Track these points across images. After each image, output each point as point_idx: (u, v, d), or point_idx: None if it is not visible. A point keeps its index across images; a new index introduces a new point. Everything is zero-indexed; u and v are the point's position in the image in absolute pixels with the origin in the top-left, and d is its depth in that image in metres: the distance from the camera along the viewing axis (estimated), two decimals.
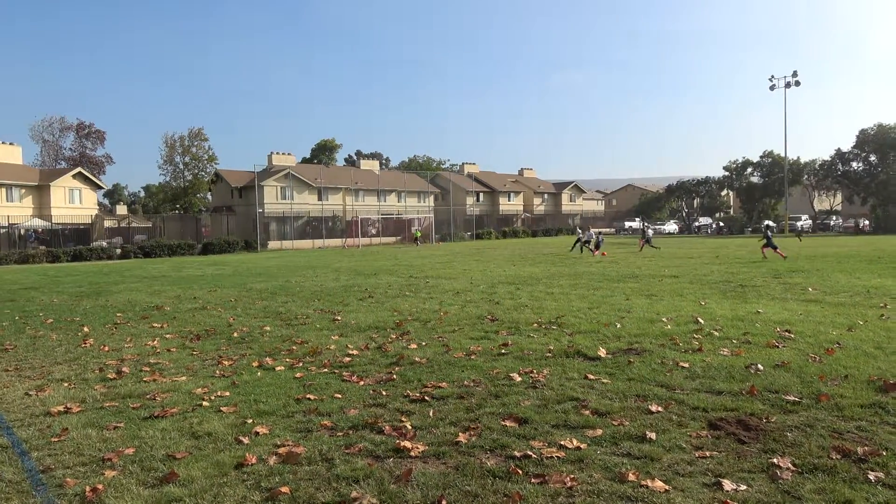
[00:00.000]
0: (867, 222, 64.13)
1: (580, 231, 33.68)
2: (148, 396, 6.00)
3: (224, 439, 4.73)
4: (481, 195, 77.81)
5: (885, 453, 4.05)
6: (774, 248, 23.57)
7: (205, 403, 5.70)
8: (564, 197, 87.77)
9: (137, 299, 14.92)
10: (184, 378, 6.75)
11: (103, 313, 12.39)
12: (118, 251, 41.89)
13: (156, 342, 8.96)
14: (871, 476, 3.72)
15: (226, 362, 7.47)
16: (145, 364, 7.50)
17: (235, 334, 9.46)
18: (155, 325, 10.67)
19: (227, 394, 6.02)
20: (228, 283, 18.84)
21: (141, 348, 8.56)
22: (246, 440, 4.67)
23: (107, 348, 8.60)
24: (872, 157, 63.81)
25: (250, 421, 5.14)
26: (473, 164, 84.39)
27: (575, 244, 32.46)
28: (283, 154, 63.93)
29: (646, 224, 34.38)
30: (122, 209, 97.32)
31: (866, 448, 4.13)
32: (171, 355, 8.03)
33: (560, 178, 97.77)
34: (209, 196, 70.68)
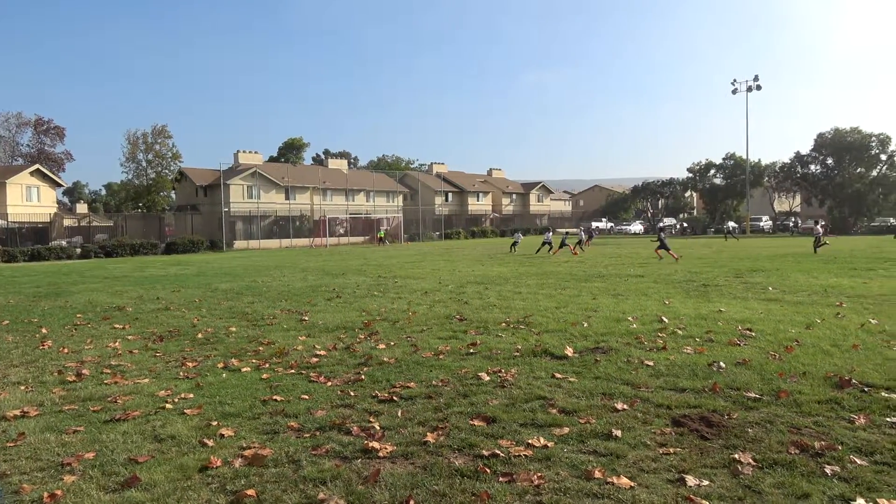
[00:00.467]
0: (824, 223, 66.03)
1: (548, 232, 34.33)
2: (109, 399, 5.86)
3: (188, 442, 4.65)
4: (450, 195, 77.94)
5: (840, 448, 4.18)
6: (667, 249, 24.16)
7: (168, 406, 5.59)
8: (532, 197, 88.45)
9: (98, 300, 14.57)
10: (146, 380, 6.61)
11: (62, 314, 12.06)
12: (78, 251, 40.86)
13: (117, 343, 8.76)
14: (828, 470, 3.84)
15: (190, 364, 7.34)
16: (106, 366, 7.33)
17: (200, 335, 9.30)
18: (116, 326, 10.43)
19: (192, 396, 5.92)
20: (193, 284, 18.52)
21: (102, 350, 8.36)
22: (211, 443, 4.60)
23: (66, 350, 8.38)
24: (829, 160, 65.77)
25: (215, 423, 5.06)
26: (442, 163, 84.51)
27: (541, 246, 32.93)
28: (249, 152, 63.17)
29: (583, 226, 35.92)
30: (82, 207, 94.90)
31: (823, 443, 4.25)
32: (133, 357, 7.86)
33: (528, 179, 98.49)
34: (173, 195, 69.45)
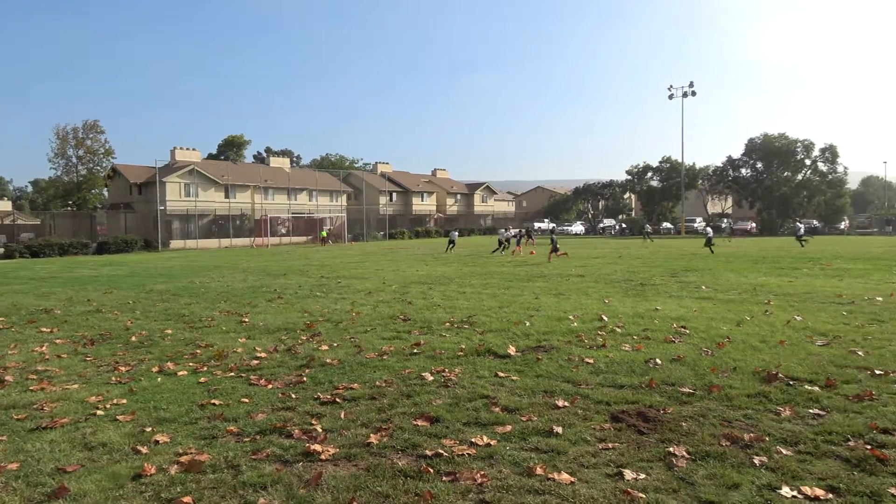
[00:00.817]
0: (754, 225, 69.05)
1: (502, 232, 34.69)
2: (35, 406, 5.58)
3: (120, 449, 4.48)
4: (394, 195, 77.68)
5: (768, 439, 4.37)
6: (556, 250, 25.87)
7: (99, 412, 5.37)
8: (477, 198, 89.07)
9: (23, 302, 13.86)
10: (76, 386, 6.33)
11: None
12: (1, 250, 38.79)
13: (44, 348, 8.35)
14: (756, 460, 4.01)
15: (123, 368, 7.07)
16: (32, 372, 6.98)
17: (134, 338, 8.97)
18: (43, 329, 9.95)
19: (125, 401, 5.70)
20: (126, 285, 17.85)
21: (27, 355, 7.96)
22: (144, 449, 4.44)
23: None
24: (759, 165, 68.74)
25: (150, 429, 4.89)
26: (387, 163, 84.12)
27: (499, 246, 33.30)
28: (187, 149, 61.26)
29: (506, 228, 37.26)
30: (5, 205, 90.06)
31: (752, 435, 4.44)
32: (62, 362, 7.51)
33: (472, 179, 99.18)
34: (105, 192, 66.73)
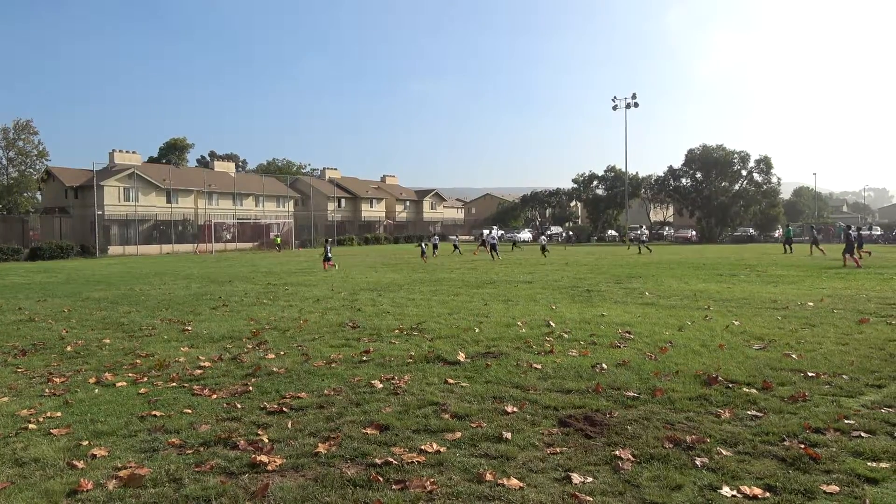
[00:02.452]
0: (694, 233, 71.29)
1: (485, 233, 35.53)
2: None
3: (54, 465, 4.28)
4: (343, 201, 77.04)
5: (709, 440, 4.51)
6: (422, 254, 31.54)
7: (31, 426, 5.12)
8: (426, 204, 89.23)
9: None
10: (6, 399, 6.02)
11: None
12: None
13: None
14: (698, 461, 4.13)
15: (57, 379, 6.77)
16: None
17: (69, 348, 8.61)
18: None
19: (59, 414, 5.45)
20: (61, 292, 17.12)
21: None
22: (81, 464, 4.25)
23: None
24: (698, 174, 71.02)
25: (86, 443, 4.69)
26: (335, 169, 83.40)
27: (490, 248, 33.71)
28: (126, 152, 59.31)
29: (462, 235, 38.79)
30: None
31: (694, 436, 4.57)
32: None
33: (421, 186, 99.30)
34: (39, 196, 63.91)
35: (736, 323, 9.64)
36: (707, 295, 13.72)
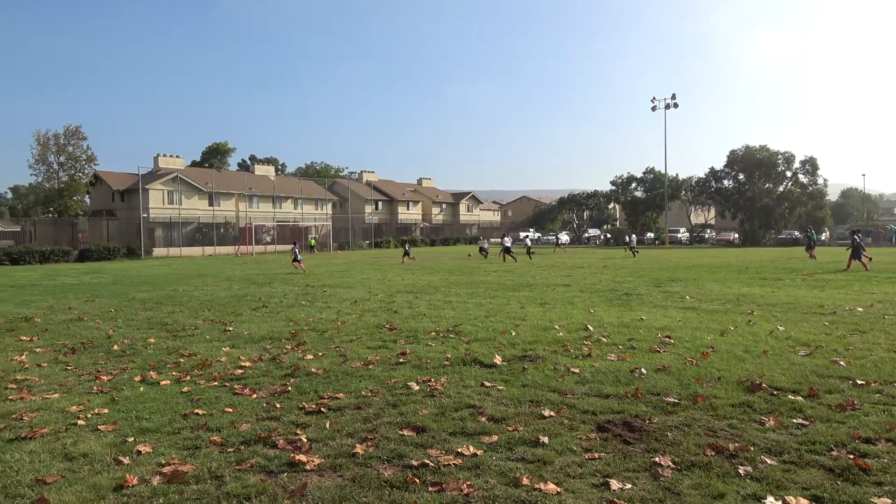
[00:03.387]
0: (736, 235, 69.75)
1: (506, 239, 35.03)
2: (14, 416, 5.48)
3: (102, 460, 4.41)
4: (380, 204, 77.62)
5: (752, 449, 4.40)
6: (406, 254, 33.45)
7: (80, 422, 5.29)
8: (462, 207, 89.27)
9: (3, 310, 13.65)
10: (56, 395, 6.23)
11: None
12: None
13: (24, 357, 8.22)
14: (741, 470, 4.03)
15: (104, 377, 6.97)
16: (11, 381, 6.86)
17: (116, 347, 8.86)
18: (23, 338, 9.79)
19: (106, 411, 5.62)
20: (108, 293, 17.65)
21: (6, 364, 7.82)
22: (126, 460, 4.37)
23: None
24: (741, 176, 69.50)
25: (132, 439, 4.82)
26: (372, 172, 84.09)
27: (504, 252, 33.67)
28: (171, 157, 60.81)
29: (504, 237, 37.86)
30: None
31: (737, 444, 4.46)
32: (42, 371, 7.39)
33: (458, 189, 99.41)
34: (87, 199, 66.02)
35: (781, 328, 9.39)
36: (750, 299, 13.40)
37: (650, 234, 74.90)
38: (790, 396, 5.66)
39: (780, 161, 67.25)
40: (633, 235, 43.25)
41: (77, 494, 3.83)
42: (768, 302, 12.88)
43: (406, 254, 34.16)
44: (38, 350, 8.76)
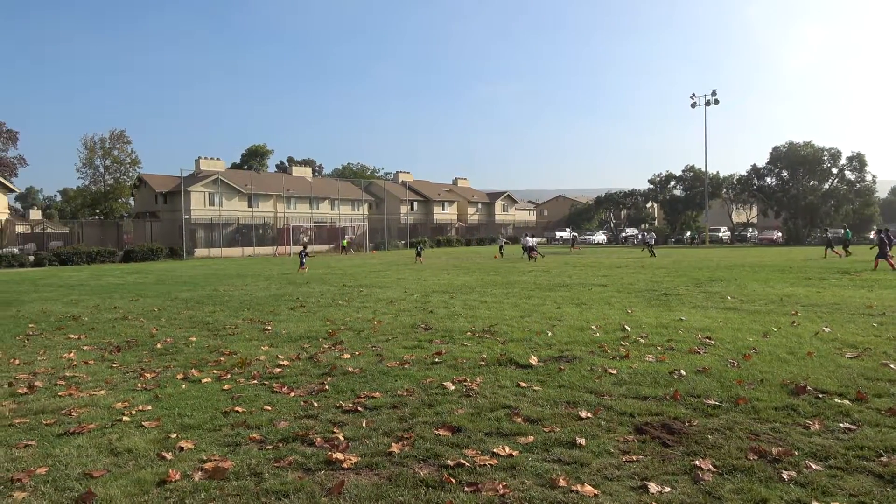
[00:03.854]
0: (780, 234, 67.98)
1: (528, 239, 34.80)
2: (63, 412, 5.67)
3: (146, 455, 4.53)
4: (415, 204, 77.94)
5: (797, 453, 4.28)
6: (418, 255, 33.45)
7: (125, 418, 5.44)
8: (497, 207, 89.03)
9: (52, 309, 14.12)
10: (102, 392, 6.42)
11: (14, 324, 11.66)
12: (31, 258, 39.63)
13: (72, 354, 8.50)
14: (785, 475, 3.92)
15: (148, 375, 7.16)
16: (60, 377, 7.10)
17: (159, 345, 9.09)
18: (71, 336, 10.12)
19: (150, 408, 5.77)
20: (152, 292, 18.11)
21: (56, 361, 8.10)
22: (169, 456, 4.48)
23: (17, 361, 8.10)
24: (784, 173, 67.76)
25: (174, 435, 4.94)
26: (408, 172, 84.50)
27: (525, 252, 33.62)
28: (211, 159, 62.15)
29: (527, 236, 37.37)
30: (36, 214, 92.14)
31: (780, 448, 4.35)
32: (89, 368, 7.63)
33: (493, 188, 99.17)
34: (131, 201, 67.89)
35: (826, 329, 9.12)
36: (794, 299, 13.05)
37: (689, 233, 73.56)
38: (836, 400, 5.49)
39: (825, 157, 65.37)
40: (653, 233, 42.43)
41: (122, 489, 3.94)
42: (813, 302, 12.52)
43: (418, 254, 34.33)
44: (85, 348, 9.04)
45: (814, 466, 4.06)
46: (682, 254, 41.08)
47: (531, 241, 33.95)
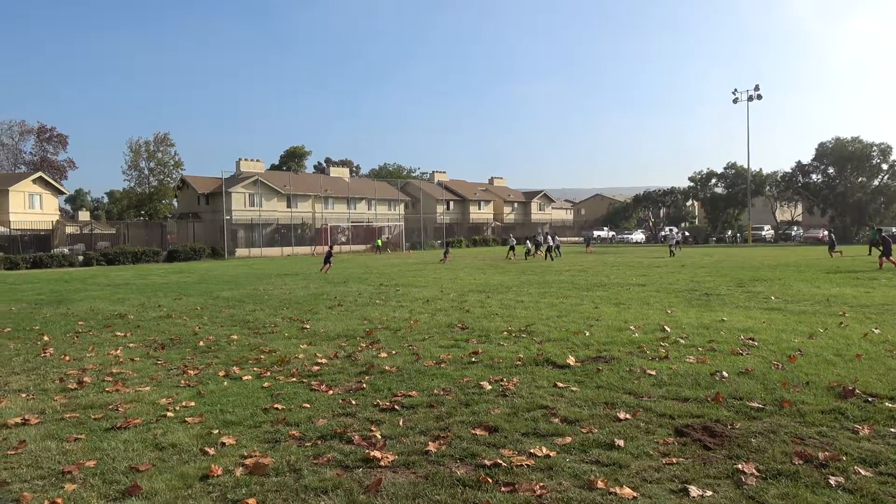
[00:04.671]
0: (826, 233, 65.98)
1: (550, 238, 34.56)
2: (110, 407, 5.85)
3: (189, 450, 4.64)
4: (451, 203, 78.00)
5: (845, 458, 4.15)
6: (446, 254, 32.77)
7: (169, 414, 5.58)
8: (534, 206, 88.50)
9: (100, 307, 14.57)
10: (148, 388, 6.60)
11: (64, 322, 12.06)
12: (80, 258, 40.92)
13: (119, 351, 8.75)
14: (832, 481, 3.81)
15: (191, 372, 7.33)
16: (108, 374, 7.32)
17: (201, 343, 9.30)
18: (118, 333, 10.43)
19: (193, 404, 5.90)
20: (194, 291, 18.53)
21: (103, 358, 8.36)
22: (212, 451, 4.58)
23: (67, 358, 8.38)
24: (831, 170, 65.76)
25: (216, 431, 5.04)
26: (443, 172, 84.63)
27: (548, 251, 33.27)
28: (251, 160, 63.28)
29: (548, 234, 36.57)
30: (84, 215, 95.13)
31: (827, 453, 4.22)
32: (135, 365, 7.85)
33: (529, 188, 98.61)
34: (175, 202, 69.60)
35: (876, 331, 8.81)
36: (842, 300, 12.65)
37: (730, 232, 71.94)
38: (887, 404, 5.31)
39: (874, 153, 63.22)
40: (675, 231, 41.29)
41: (167, 482, 4.04)
42: (862, 303, 12.12)
43: (446, 253, 34.49)
44: (131, 345, 9.30)
45: (863, 472, 3.93)
46: (724, 253, 40.21)
47: (552, 241, 33.74)
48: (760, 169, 74.47)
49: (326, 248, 29.71)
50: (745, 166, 68.96)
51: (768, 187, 74.35)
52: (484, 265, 29.51)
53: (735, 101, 62.34)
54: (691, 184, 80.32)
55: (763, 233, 70.33)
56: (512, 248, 37.20)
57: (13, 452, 4.67)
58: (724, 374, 6.41)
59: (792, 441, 4.52)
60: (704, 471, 4.04)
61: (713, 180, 78.25)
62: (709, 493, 3.71)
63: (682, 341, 8.36)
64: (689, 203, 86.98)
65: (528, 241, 37.72)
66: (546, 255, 32.45)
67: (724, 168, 76.82)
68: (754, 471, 3.99)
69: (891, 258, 21.54)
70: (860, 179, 64.02)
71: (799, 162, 68.51)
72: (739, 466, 4.06)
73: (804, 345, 7.92)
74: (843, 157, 63.92)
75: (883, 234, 22.80)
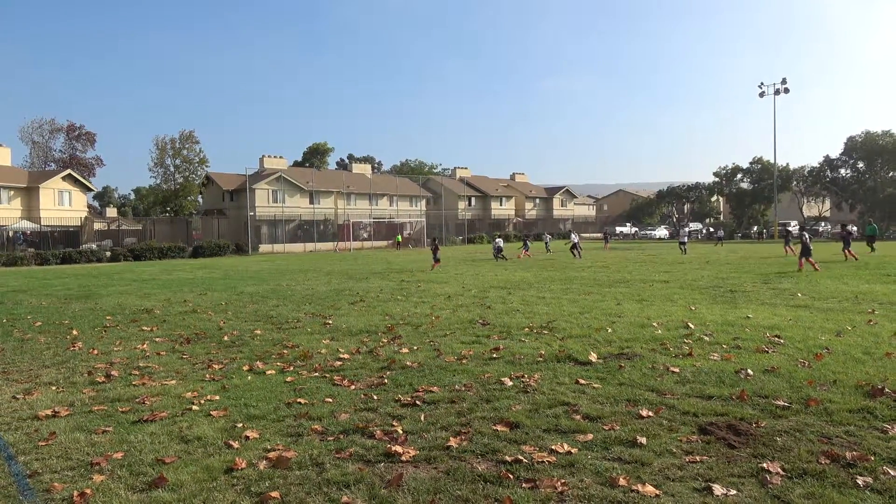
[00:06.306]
0: (855, 228, 64.69)
1: (573, 235, 34.12)
2: (137, 400, 5.96)
3: (214, 443, 4.70)
4: (473, 200, 77.90)
5: (873, 458, 4.08)
6: (435, 260, 25.10)
7: (194, 407, 5.66)
8: (556, 202, 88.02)
9: (127, 302, 14.82)
10: (173, 382, 6.71)
11: (92, 316, 12.30)
12: (108, 254, 41.64)
13: (145, 345, 8.90)
14: (860, 481, 3.75)
15: (216, 366, 7.43)
16: (135, 367, 7.45)
17: (226, 338, 9.41)
18: (145, 328, 10.60)
19: (217, 398, 5.99)
20: (219, 287, 18.75)
21: (130, 352, 8.51)
22: (236, 444, 4.64)
23: (96, 351, 8.54)
24: (860, 164, 64.43)
25: (240, 425, 5.11)
26: (465, 168, 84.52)
27: (572, 249, 32.79)
28: (274, 157, 63.78)
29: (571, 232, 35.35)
30: (112, 211, 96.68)
31: (855, 453, 4.15)
32: (161, 359, 7.98)
33: (551, 183, 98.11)
34: (200, 199, 70.46)
35: None
36: (871, 297, 12.40)
37: (755, 228, 70.85)
38: None
39: None
40: (686, 228, 40.23)
41: (192, 475, 4.11)
42: (892, 300, 11.86)
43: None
44: (157, 340, 9.45)
45: (892, 472, 3.86)
46: (750, 249, 39.62)
47: (574, 238, 33.15)
48: (787, 164, 73.25)
49: (430, 246, 26.35)
50: (772, 161, 67.88)
51: (795, 182, 73.09)
52: (506, 261, 29.44)
53: (762, 95, 61.32)
54: (716, 179, 79.26)
55: (790, 228, 69.17)
56: (499, 249, 31.25)
57: (44, 444, 4.78)
58: (749, 371, 6.33)
59: (818, 440, 4.45)
60: (728, 469, 4.00)
61: (738, 175, 77.13)
62: (733, 491, 3.68)
63: (706, 338, 8.27)
64: (714, 198, 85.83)
65: (525, 239, 36.85)
66: (572, 251, 31.88)
67: (750, 163, 75.69)
68: (779, 470, 3.94)
69: (845, 251, 22.82)
70: (891, 174, 62.64)
71: (827, 156, 67.35)
72: (764, 465, 4.01)
73: (832, 343, 7.78)
74: (874, 150, 62.59)
75: (843, 233, 23.50)
